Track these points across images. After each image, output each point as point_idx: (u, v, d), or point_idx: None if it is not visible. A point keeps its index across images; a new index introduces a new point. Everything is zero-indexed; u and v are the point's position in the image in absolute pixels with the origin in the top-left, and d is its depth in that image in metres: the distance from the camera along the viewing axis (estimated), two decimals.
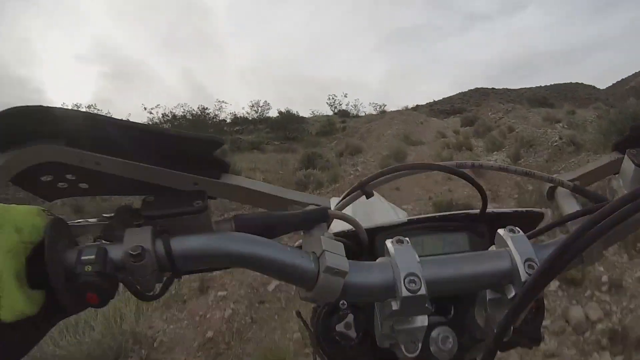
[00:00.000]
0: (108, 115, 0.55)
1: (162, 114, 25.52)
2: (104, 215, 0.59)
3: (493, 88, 52.40)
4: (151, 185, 0.58)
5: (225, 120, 30.76)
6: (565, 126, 16.73)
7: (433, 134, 23.72)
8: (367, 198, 0.81)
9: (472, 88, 52.24)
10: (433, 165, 0.77)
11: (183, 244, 0.52)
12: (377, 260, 0.59)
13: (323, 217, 0.59)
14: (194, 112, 25.70)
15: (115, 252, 0.49)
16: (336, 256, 0.53)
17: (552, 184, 0.79)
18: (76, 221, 0.59)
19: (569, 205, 0.75)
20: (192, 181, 0.60)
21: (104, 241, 0.53)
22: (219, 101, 28.86)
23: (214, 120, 27.05)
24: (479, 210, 0.82)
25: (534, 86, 53.61)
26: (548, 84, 54.52)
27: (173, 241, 0.51)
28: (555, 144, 13.85)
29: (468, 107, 48.84)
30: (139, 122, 0.59)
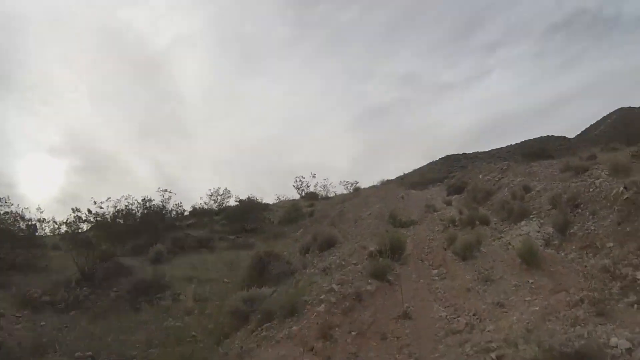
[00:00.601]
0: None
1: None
2: None
3: (464, 153, 48.99)
4: None
5: (182, 213, 26.06)
6: (606, 172, 12.14)
7: (421, 208, 18.96)
8: None
9: (442, 157, 48.69)
10: None
11: None
12: None
13: None
14: (138, 205, 20.85)
15: None
16: None
17: None
18: None
19: None
20: None
21: None
22: (162, 190, 23.32)
23: (165, 214, 22.85)
24: None
25: (504, 146, 50.53)
26: (518, 142, 51.42)
27: None
28: (626, 196, 9.13)
29: (440, 176, 44.87)
30: None
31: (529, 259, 8.21)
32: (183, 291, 11.51)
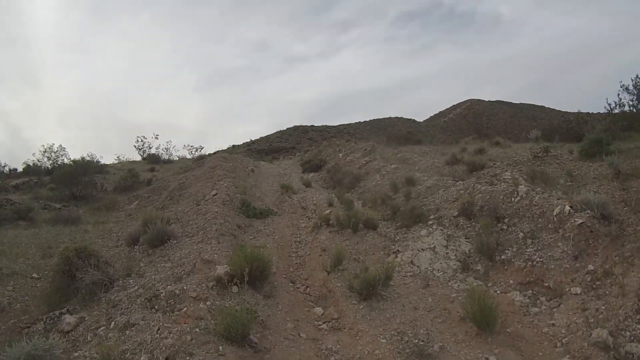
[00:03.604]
0: None
1: None
2: None
3: (312, 125, 47.44)
4: None
5: (15, 170, 23.42)
6: (524, 176, 9.89)
7: (275, 188, 15.61)
8: None
9: (290, 127, 46.57)
10: None
11: None
12: None
13: None
14: None
15: None
16: None
17: None
18: None
19: None
20: None
21: None
22: None
23: None
24: None
25: (353, 122, 50.16)
26: (367, 120, 51.43)
27: None
28: (580, 221, 6.61)
29: (288, 145, 42.73)
30: None
31: (482, 320, 5.17)
32: None
